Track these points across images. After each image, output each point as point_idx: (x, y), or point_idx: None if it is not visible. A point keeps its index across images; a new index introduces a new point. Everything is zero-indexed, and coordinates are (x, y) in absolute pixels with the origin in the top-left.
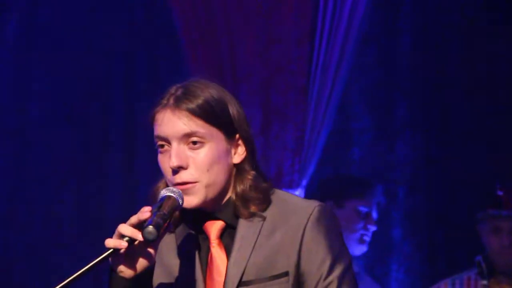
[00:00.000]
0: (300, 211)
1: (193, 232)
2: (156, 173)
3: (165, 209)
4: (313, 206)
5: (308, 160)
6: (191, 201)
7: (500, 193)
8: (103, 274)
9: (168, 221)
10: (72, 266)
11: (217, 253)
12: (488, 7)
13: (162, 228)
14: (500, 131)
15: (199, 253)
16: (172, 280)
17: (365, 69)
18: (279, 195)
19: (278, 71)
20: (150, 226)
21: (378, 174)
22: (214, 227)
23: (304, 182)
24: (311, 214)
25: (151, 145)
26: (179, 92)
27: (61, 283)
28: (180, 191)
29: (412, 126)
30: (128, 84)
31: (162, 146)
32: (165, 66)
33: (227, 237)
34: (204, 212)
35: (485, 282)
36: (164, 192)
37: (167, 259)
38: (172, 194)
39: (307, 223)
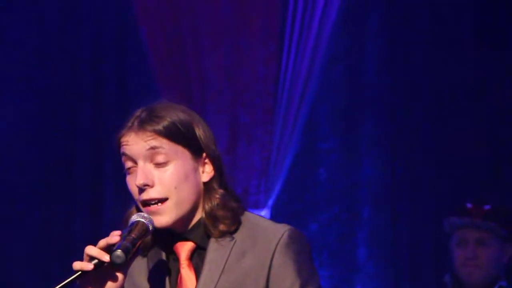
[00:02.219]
0: (270, 235)
1: (164, 253)
2: (124, 193)
3: (134, 233)
4: (282, 230)
5: (275, 180)
6: (161, 220)
7: (469, 205)
8: None
9: (137, 246)
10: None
11: (187, 274)
12: (456, 23)
13: (131, 253)
14: (467, 148)
15: (169, 275)
16: None
17: (331, 89)
18: (249, 218)
19: (245, 91)
20: (119, 250)
21: (344, 193)
22: (184, 248)
23: (270, 202)
24: (280, 239)
25: (119, 165)
26: (143, 115)
27: None
28: (151, 217)
29: (378, 145)
30: (96, 103)
31: (129, 168)
32: (133, 85)
33: (197, 258)
34: (175, 233)
35: None
36: (134, 218)
37: (138, 281)
38: (142, 220)
39: (276, 247)
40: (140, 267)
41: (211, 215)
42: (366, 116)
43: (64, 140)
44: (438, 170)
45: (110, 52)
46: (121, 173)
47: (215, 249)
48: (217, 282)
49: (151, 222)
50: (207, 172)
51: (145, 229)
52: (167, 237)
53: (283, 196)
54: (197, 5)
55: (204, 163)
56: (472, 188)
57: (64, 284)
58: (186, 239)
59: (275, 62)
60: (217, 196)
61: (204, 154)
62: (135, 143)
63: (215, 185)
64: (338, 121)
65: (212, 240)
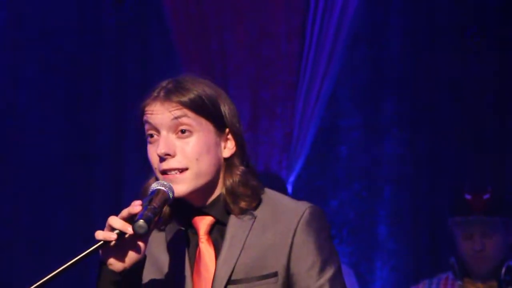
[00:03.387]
0: (291, 212)
1: (182, 227)
2: (144, 167)
3: (156, 203)
4: (304, 208)
5: (296, 156)
6: (180, 189)
7: (468, 196)
8: (92, 269)
9: (158, 215)
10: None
11: (206, 249)
12: (477, 8)
13: (153, 222)
14: (487, 130)
15: (188, 249)
16: (161, 276)
17: (354, 67)
18: (270, 195)
19: (267, 67)
20: (141, 220)
21: (365, 171)
22: (203, 223)
23: (291, 179)
24: (301, 217)
25: (140, 141)
26: (170, 86)
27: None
28: (171, 185)
29: (400, 123)
30: (119, 79)
31: (152, 136)
32: (156, 61)
33: (216, 233)
34: (194, 207)
35: (460, 282)
36: (154, 186)
37: (156, 255)
38: (162, 188)
39: (297, 225)
40: (158, 241)
41: (231, 191)
42: (388, 94)
43: (86, 115)
44: (458, 148)
45: (132, 27)
46: (142, 151)
47: (235, 225)
48: (238, 258)
49: (171, 189)
50: (229, 148)
51: (165, 198)
52: (186, 211)
53: (304, 172)
54: None
55: (227, 139)
56: (491, 166)
57: (87, 253)
58: (206, 214)
59: (298, 38)
60: (238, 172)
61: (227, 130)
62: (160, 113)
63: (237, 162)
64: (360, 99)
65: (233, 216)
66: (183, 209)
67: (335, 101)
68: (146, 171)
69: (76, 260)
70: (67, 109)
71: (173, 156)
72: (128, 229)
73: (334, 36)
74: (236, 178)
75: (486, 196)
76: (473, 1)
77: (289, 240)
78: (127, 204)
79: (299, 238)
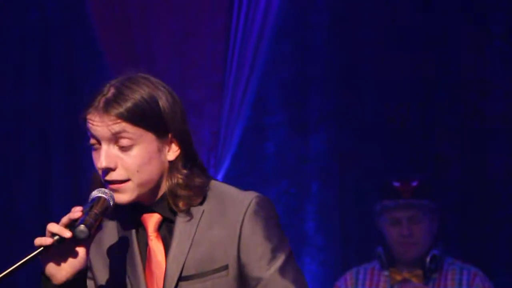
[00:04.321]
0: (238, 204)
1: (133, 225)
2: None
3: (96, 209)
4: (250, 198)
5: (224, 155)
6: (122, 198)
7: (396, 184)
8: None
9: (99, 221)
10: None
11: (156, 246)
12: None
13: (93, 227)
14: (411, 122)
15: (138, 247)
16: (114, 275)
17: (279, 64)
18: (217, 188)
19: (193, 66)
20: (82, 225)
21: (292, 168)
22: (151, 220)
23: (219, 177)
24: (248, 207)
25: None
26: (109, 94)
27: None
28: (112, 193)
29: (326, 120)
30: (43, 80)
31: (94, 144)
32: (81, 61)
33: (165, 230)
34: (142, 205)
35: (386, 273)
36: (95, 193)
37: (108, 255)
38: (103, 195)
39: (244, 216)
40: (109, 239)
41: (172, 193)
42: (313, 91)
43: (8, 120)
44: (383, 144)
45: (57, 28)
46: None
47: (183, 221)
48: (187, 254)
49: (112, 197)
50: (173, 151)
51: (106, 205)
52: (134, 209)
53: (232, 171)
54: None
55: (171, 142)
56: (416, 159)
57: (26, 260)
58: (153, 211)
59: (223, 37)
60: (180, 176)
61: (169, 134)
62: (100, 126)
63: (180, 164)
64: (286, 96)
65: (180, 213)
66: (131, 207)
67: (261, 98)
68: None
69: (15, 267)
70: None
71: (114, 169)
72: (67, 234)
73: (258, 34)
74: (177, 181)
75: (414, 183)
76: None
77: (237, 232)
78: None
79: (247, 228)
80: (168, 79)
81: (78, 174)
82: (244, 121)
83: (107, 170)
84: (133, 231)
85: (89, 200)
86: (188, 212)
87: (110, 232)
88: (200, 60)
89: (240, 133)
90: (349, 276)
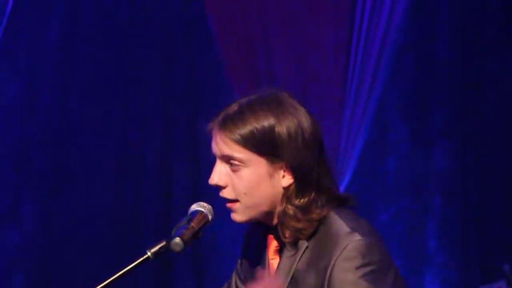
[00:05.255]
0: (335, 246)
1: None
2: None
3: (195, 223)
4: (347, 241)
5: (344, 170)
6: (235, 217)
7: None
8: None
9: (196, 236)
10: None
11: (273, 267)
12: None
13: (190, 242)
14: None
15: (264, 260)
16: (247, 273)
17: (401, 78)
18: (331, 222)
19: (314, 80)
20: (178, 238)
21: (414, 183)
22: (272, 244)
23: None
24: (341, 252)
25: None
26: (231, 112)
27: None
28: (211, 207)
29: (448, 134)
30: (166, 89)
31: (215, 155)
32: (202, 76)
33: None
34: (268, 225)
35: None
36: (194, 207)
37: (249, 254)
38: (203, 210)
39: (335, 261)
40: (255, 239)
41: (281, 221)
42: (436, 106)
43: (134, 133)
44: (509, 160)
45: (180, 42)
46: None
47: (287, 255)
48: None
49: (211, 211)
50: (287, 177)
51: (205, 220)
52: (264, 226)
53: (353, 186)
54: None
55: (284, 169)
56: None
57: (132, 267)
58: (275, 233)
59: (344, 50)
60: (290, 206)
61: (283, 162)
62: (215, 143)
63: (293, 194)
64: (408, 111)
65: (287, 246)
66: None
67: (382, 113)
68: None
69: (123, 273)
70: (115, 131)
71: (224, 187)
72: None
73: (380, 47)
74: (287, 211)
75: None
76: None
77: (326, 278)
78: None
79: (335, 276)
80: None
81: (198, 183)
82: (364, 136)
83: (219, 187)
84: (264, 242)
85: (189, 213)
86: (295, 245)
87: (258, 233)
88: (321, 74)
89: (360, 148)
90: None
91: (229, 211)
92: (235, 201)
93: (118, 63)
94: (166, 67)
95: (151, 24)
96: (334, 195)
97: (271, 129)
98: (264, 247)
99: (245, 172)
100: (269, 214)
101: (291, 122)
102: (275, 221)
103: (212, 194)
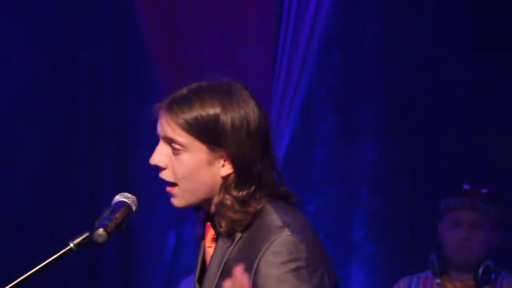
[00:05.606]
0: (264, 238)
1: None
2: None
3: (119, 214)
4: (274, 236)
5: None
6: (174, 202)
7: (466, 186)
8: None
9: (120, 226)
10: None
11: (209, 255)
12: (451, 10)
13: (112, 233)
14: (465, 129)
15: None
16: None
17: (329, 71)
18: (266, 215)
19: (242, 72)
20: (101, 229)
21: (341, 175)
22: (209, 232)
23: None
24: (268, 246)
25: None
26: (178, 95)
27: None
28: (135, 198)
29: (375, 127)
30: (95, 87)
31: (159, 136)
32: (131, 67)
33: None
34: (208, 212)
35: (438, 280)
36: (118, 198)
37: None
38: (126, 200)
39: (262, 254)
40: (199, 231)
41: (217, 210)
42: (363, 98)
43: (63, 125)
44: (435, 151)
45: (108, 36)
46: (119, 162)
47: (221, 245)
48: (217, 281)
49: (135, 202)
50: (227, 167)
51: (128, 211)
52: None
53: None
54: None
55: (224, 159)
56: (468, 170)
57: (54, 258)
58: (213, 221)
59: (272, 43)
60: (228, 196)
61: (224, 151)
62: (160, 123)
63: (232, 184)
64: (336, 103)
65: (221, 236)
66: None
67: (310, 105)
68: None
69: (45, 264)
70: (44, 122)
71: (163, 168)
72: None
73: (307, 40)
74: (224, 200)
75: (484, 190)
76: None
77: (253, 269)
78: None
79: (261, 269)
80: None
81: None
82: (292, 128)
83: (159, 168)
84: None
85: (112, 204)
86: (230, 236)
87: (201, 225)
88: (249, 67)
89: (288, 140)
90: (402, 284)
91: (157, 203)
92: (174, 184)
93: (46, 61)
94: (94, 65)
95: (79, 18)
96: (276, 190)
97: (216, 117)
98: (203, 234)
99: (185, 157)
100: (207, 201)
101: (237, 113)
102: (212, 208)
103: (140, 187)
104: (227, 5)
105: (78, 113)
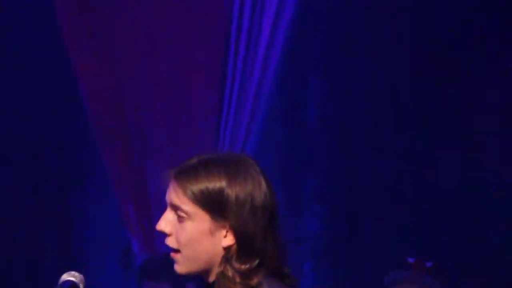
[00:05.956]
0: None
1: None
2: None
3: None
4: None
5: None
6: (177, 268)
7: (411, 260)
8: None
9: None
10: None
11: None
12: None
13: None
14: (410, 200)
15: None
16: None
17: (273, 143)
18: None
19: (185, 144)
20: None
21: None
22: None
23: None
24: None
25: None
26: (187, 166)
27: None
28: (82, 276)
29: (319, 198)
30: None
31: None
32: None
33: None
34: (207, 283)
35: None
36: (65, 277)
37: None
38: (73, 279)
39: None
40: None
41: (218, 281)
42: (307, 169)
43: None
44: (379, 226)
45: (51, 116)
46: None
47: None
48: None
49: (82, 281)
50: (229, 238)
51: None
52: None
53: None
54: (136, 57)
55: (227, 230)
56: (415, 244)
57: None
58: None
59: (215, 115)
60: (229, 267)
61: (227, 223)
62: (169, 190)
63: (234, 256)
64: (281, 174)
65: None
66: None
67: None
68: None
69: None
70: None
71: (169, 235)
72: None
73: (250, 113)
74: (225, 271)
75: (429, 264)
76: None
77: None
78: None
79: None
80: (161, 157)
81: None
82: None
83: (164, 234)
84: None
85: (59, 283)
86: None
87: None
88: (193, 138)
89: None
90: None
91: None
92: (177, 251)
93: None
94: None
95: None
96: (278, 268)
97: (221, 190)
98: None
99: (188, 225)
100: (208, 271)
101: (242, 187)
102: (212, 278)
103: (84, 263)
104: (170, 75)
105: (20, 190)
